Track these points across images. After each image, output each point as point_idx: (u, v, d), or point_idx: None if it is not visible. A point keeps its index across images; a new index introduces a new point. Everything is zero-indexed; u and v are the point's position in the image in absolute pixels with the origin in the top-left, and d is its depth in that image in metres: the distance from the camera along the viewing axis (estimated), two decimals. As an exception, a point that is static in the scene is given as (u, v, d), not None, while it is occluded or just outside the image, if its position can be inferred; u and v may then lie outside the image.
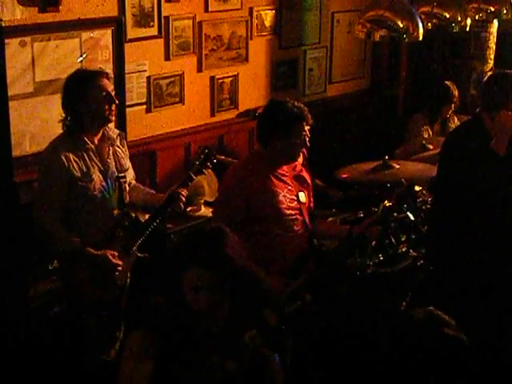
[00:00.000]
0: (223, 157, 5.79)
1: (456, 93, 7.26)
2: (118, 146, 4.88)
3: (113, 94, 4.69)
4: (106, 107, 4.65)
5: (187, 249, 3.06)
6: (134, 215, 4.89)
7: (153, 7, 6.20)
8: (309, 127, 4.85)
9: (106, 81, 4.67)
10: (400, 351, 2.58)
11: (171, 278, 3.07)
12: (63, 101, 4.70)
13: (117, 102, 4.75)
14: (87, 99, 4.59)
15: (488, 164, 4.85)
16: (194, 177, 4.87)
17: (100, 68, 5.23)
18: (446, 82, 7.35)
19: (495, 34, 7.68)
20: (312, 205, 5.00)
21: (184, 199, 4.82)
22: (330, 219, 5.83)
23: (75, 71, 4.93)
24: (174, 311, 3.05)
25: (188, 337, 3.02)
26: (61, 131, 4.75)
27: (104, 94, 4.62)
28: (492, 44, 7.68)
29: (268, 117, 4.77)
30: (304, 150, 5.30)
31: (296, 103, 4.72)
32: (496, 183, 4.85)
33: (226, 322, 3.12)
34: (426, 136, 7.19)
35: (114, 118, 4.82)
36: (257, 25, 7.08)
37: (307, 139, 4.85)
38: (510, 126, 4.86)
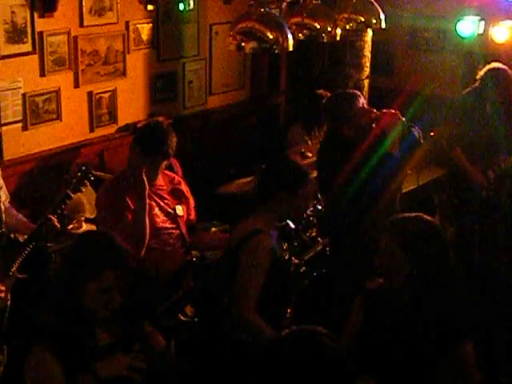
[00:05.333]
0: (101, 173, 5.75)
1: None
2: None
3: None
4: None
5: (92, 256, 3.15)
6: (12, 235, 4.80)
7: (26, 23, 6.11)
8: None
9: None
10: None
11: (70, 291, 3.13)
12: None
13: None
14: None
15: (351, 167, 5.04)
16: (71, 195, 4.82)
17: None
18: (319, 92, 7.40)
19: (370, 43, 7.85)
20: (192, 218, 4.99)
21: (55, 225, 4.76)
22: (213, 230, 5.87)
23: None
24: (69, 325, 3.10)
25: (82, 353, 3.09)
26: None
27: None
28: (367, 52, 7.85)
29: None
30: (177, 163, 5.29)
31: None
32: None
33: (116, 332, 3.22)
34: (307, 145, 7.26)
35: None
36: (134, 38, 7.04)
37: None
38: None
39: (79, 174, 4.90)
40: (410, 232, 3.45)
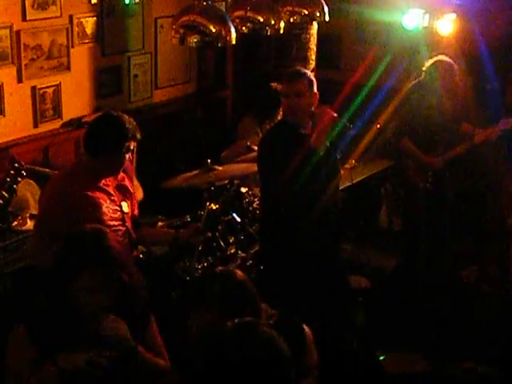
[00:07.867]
0: (41, 168, 5.67)
1: None
2: None
3: None
4: None
5: (77, 253, 3.16)
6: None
7: (-34, 17, 6.04)
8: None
9: None
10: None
11: (56, 288, 3.17)
12: None
13: None
14: None
15: (306, 160, 5.01)
16: (5, 195, 4.73)
17: None
18: (273, 84, 7.41)
19: (315, 36, 7.86)
20: (136, 213, 4.93)
21: None
22: (160, 224, 5.85)
23: None
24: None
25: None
26: None
27: None
28: (313, 45, 7.85)
29: (100, 129, 4.63)
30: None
31: (129, 119, 4.59)
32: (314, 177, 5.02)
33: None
34: (254, 138, 7.26)
35: None
36: (78, 32, 6.97)
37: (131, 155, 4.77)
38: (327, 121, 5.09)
39: (12, 171, 4.81)
40: (224, 292, 3.26)
